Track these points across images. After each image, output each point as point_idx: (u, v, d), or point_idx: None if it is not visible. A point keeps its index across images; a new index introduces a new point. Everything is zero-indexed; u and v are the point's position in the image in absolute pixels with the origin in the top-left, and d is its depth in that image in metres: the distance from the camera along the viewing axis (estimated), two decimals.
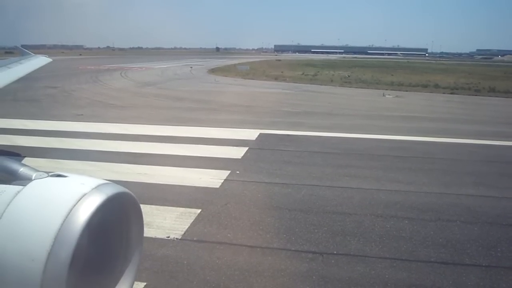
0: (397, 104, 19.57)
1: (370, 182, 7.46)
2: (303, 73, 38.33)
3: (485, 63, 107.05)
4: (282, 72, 39.33)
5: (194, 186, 7.05)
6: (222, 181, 7.39)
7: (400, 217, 5.89)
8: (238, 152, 9.37)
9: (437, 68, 62.37)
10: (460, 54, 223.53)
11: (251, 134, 11.33)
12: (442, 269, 4.52)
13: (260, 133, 11.48)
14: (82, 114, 14.50)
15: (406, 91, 25.84)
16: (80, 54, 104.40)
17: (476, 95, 24.31)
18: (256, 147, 9.99)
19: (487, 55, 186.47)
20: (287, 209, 6.14)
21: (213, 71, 41.01)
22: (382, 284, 4.20)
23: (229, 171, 7.92)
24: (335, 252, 4.84)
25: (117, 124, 12.56)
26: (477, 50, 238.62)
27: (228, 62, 62.07)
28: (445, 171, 8.32)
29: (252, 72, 39.09)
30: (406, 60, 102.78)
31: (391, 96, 22.35)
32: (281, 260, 4.64)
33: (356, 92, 24.80)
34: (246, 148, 9.74)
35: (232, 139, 10.66)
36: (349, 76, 36.82)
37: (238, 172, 7.95)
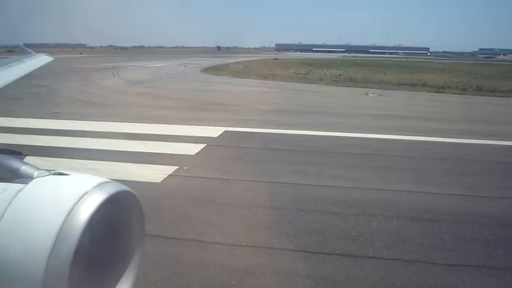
0: (376, 102, 19.66)
1: (311, 178, 7.61)
2: (295, 72, 38.38)
3: (485, 62, 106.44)
4: (274, 71, 39.41)
5: (136, 181, 7.15)
6: (166, 176, 7.56)
7: (325, 211, 6.04)
8: (193, 149, 9.54)
9: (434, 67, 62.16)
10: (462, 53, 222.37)
11: (215, 131, 11.50)
12: (341, 261, 4.66)
13: (225, 131, 11.65)
14: (59, 112, 14.71)
15: (392, 89, 25.90)
16: (81, 53, 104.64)
17: (460, 94, 24.32)
18: (214, 144, 10.17)
19: (489, 54, 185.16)
20: (216, 203, 6.31)
21: (206, 70, 41.18)
22: (276, 274, 4.36)
23: (176, 167, 8.09)
24: (243, 244, 4.99)
25: (88, 121, 12.77)
26: (480, 49, 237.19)
27: (225, 61, 62.13)
28: (392, 168, 8.45)
29: (245, 71, 39.25)
30: (405, 59, 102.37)
31: (374, 95, 22.42)
32: (189, 251, 4.81)
33: (341, 90, 24.90)
34: (204, 145, 9.91)
35: (194, 136, 10.82)
36: (340, 74, 36.83)
37: (185, 168, 8.12)
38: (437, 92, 25.11)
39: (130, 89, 23.79)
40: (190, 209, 6.01)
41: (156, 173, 7.67)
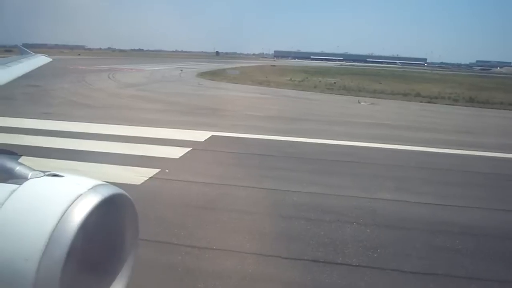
0: (367, 111, 19.77)
1: (290, 184, 7.63)
2: (290, 79, 38.53)
3: (481, 74, 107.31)
4: (270, 77, 39.54)
5: (116, 183, 6.96)
6: (146, 178, 7.58)
7: (300, 217, 6.06)
8: (178, 152, 9.56)
9: (430, 78, 62.63)
10: (459, 65, 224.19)
11: (202, 135, 11.53)
12: (308, 267, 4.68)
13: (212, 135, 11.68)
14: (49, 113, 14.71)
15: (385, 99, 26.06)
16: (79, 54, 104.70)
17: (452, 105, 24.52)
18: (199, 148, 10.20)
19: (486, 66, 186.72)
20: (192, 206, 6.33)
21: (202, 74, 41.26)
22: (241, 278, 4.38)
23: (158, 170, 8.11)
24: (214, 247, 5.01)
25: (75, 122, 12.77)
26: (477, 61, 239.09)
27: (223, 66, 62.29)
28: (374, 176, 8.49)
29: (240, 76, 39.41)
30: (402, 69, 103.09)
31: (366, 103, 22.55)
32: (158, 253, 4.82)
33: (334, 98, 25.03)
34: (189, 149, 9.94)
35: (180, 139, 10.85)
36: (335, 83, 37.04)
37: (167, 171, 8.13)
38: (429, 102, 25.30)
39: (123, 91, 23.80)
40: (166, 212, 6.02)
41: (136, 175, 7.68)
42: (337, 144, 11.30)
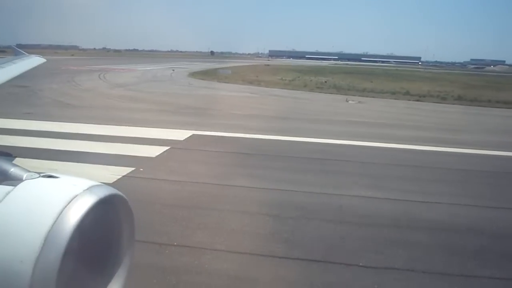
0: (353, 109, 19.88)
1: (262, 181, 7.69)
2: (281, 78, 38.59)
3: (474, 72, 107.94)
4: (261, 77, 39.60)
5: None
6: (119, 177, 7.61)
7: (264, 214, 6.13)
8: (155, 151, 9.60)
9: (422, 76, 62.88)
10: (453, 63, 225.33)
11: (183, 134, 11.57)
12: (264, 262, 4.74)
13: (193, 134, 11.73)
14: (31, 113, 14.68)
15: (374, 97, 26.20)
16: (72, 55, 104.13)
17: (439, 103, 24.68)
18: (178, 147, 10.24)
19: (479, 65, 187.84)
20: (161, 204, 6.37)
21: (193, 74, 41.26)
22: (196, 273, 4.44)
23: (133, 168, 8.15)
24: (175, 244, 5.07)
25: (57, 122, 12.77)
26: (471, 59, 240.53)
27: (216, 65, 62.26)
28: (348, 173, 8.58)
29: (232, 76, 39.40)
30: (395, 68, 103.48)
31: (353, 102, 22.67)
32: None
33: (322, 97, 25.13)
34: (167, 148, 9.98)
35: (160, 138, 10.88)
36: (326, 81, 37.16)
37: (141, 169, 8.17)
38: (417, 100, 25.45)
39: (112, 91, 23.77)
40: (133, 209, 6.05)
41: (110, 174, 7.71)
42: (315, 142, 11.37)
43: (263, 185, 7.48)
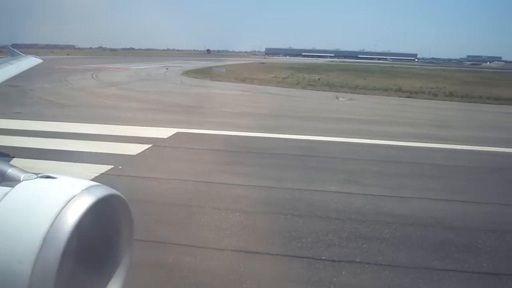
0: (343, 106, 19.95)
1: (239, 178, 7.77)
2: (275, 76, 38.65)
3: (469, 69, 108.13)
4: (255, 74, 39.61)
5: None
6: (97, 175, 7.66)
7: (235, 209, 6.20)
8: (137, 149, 9.66)
9: (417, 73, 62.98)
10: (450, 60, 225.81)
11: (167, 132, 11.63)
12: (229, 256, 4.82)
13: (177, 132, 11.78)
14: (19, 112, 14.70)
15: (365, 94, 26.30)
16: (68, 54, 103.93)
17: (430, 99, 24.79)
18: (160, 145, 10.30)
19: (476, 61, 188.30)
20: (134, 200, 6.36)
21: (187, 72, 41.25)
22: (161, 267, 4.51)
23: (112, 166, 8.20)
24: (143, 239, 5.10)
25: (43, 121, 12.85)
26: (468, 56, 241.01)
27: (211, 64, 62.18)
28: (326, 169, 8.66)
29: (225, 74, 39.40)
30: (391, 65, 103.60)
31: (344, 99, 22.73)
32: None
33: (314, 94, 25.20)
34: (149, 146, 10.04)
35: (143, 137, 10.92)
36: (319, 79, 37.23)
37: (120, 167, 8.23)
38: (408, 97, 25.56)
39: (103, 90, 23.78)
40: None
41: (88, 172, 7.76)
42: (300, 139, 11.44)
43: (238, 181, 7.54)
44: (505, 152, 11.00)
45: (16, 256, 1.04)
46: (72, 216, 1.10)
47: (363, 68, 76.56)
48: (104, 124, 12.67)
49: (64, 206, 1.11)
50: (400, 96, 25.65)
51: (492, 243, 5.43)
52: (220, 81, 32.57)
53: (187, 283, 4.29)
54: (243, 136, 11.72)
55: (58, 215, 1.09)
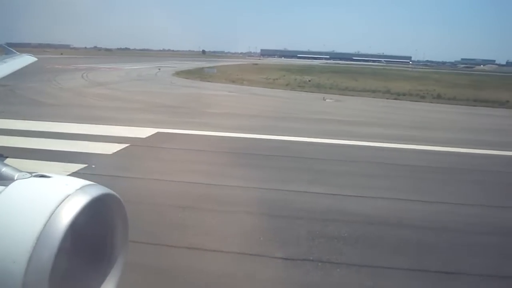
0: (328, 108, 20.13)
1: (207, 177, 7.85)
2: (266, 77, 38.78)
3: (462, 71, 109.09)
4: (246, 76, 39.75)
5: None
6: (68, 174, 7.74)
7: (195, 208, 6.33)
8: (113, 148, 9.75)
9: (409, 76, 63.32)
10: (444, 63, 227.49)
11: (147, 132, 11.72)
12: (181, 253, 4.94)
13: (157, 132, 11.88)
14: (3, 112, 14.73)
15: (353, 96, 26.53)
16: (61, 54, 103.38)
17: (416, 101, 25.03)
18: (138, 144, 10.40)
19: (470, 64, 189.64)
20: None
21: (179, 73, 41.33)
22: None
23: (85, 165, 8.30)
24: None
25: (24, 120, 12.86)
26: (462, 59, 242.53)
27: (205, 64, 62.18)
28: (295, 169, 8.79)
29: (217, 75, 39.55)
30: (384, 67, 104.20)
31: (331, 101, 22.93)
32: None
33: (301, 96, 25.40)
34: (126, 145, 10.13)
35: (122, 136, 10.99)
36: (310, 80, 37.42)
37: (93, 166, 8.32)
38: (395, 99, 25.82)
39: (90, 90, 23.82)
40: None
41: (61, 171, 7.83)
42: (277, 139, 11.58)
43: (208, 181, 7.65)
44: (470, 153, 11.11)
45: (10, 256, 1.03)
46: (67, 216, 1.09)
47: (356, 70, 76.92)
48: (84, 123, 12.72)
49: (58, 206, 1.10)
50: (387, 98, 25.89)
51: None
52: (210, 82, 32.69)
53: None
54: (220, 136, 11.85)
55: (52, 214, 1.08)
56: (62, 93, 21.80)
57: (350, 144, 11.39)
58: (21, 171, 1.28)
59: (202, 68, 49.14)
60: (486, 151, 11.25)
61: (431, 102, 24.98)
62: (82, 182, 1.23)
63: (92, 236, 1.28)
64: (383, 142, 11.70)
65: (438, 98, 27.39)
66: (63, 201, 1.12)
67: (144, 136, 11.27)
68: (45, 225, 1.06)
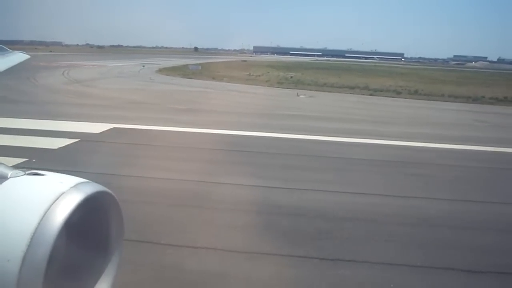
0: (298, 103, 20.31)
1: (147, 171, 7.90)
2: (249, 74, 38.97)
3: (452, 68, 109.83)
4: (229, 72, 39.85)
5: None
6: None
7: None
8: (60, 143, 9.81)
9: (396, 72, 63.74)
10: (436, 60, 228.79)
11: (102, 127, 11.78)
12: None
13: (114, 127, 11.95)
14: None
15: (329, 92, 26.75)
16: (51, 51, 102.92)
17: (391, 97, 25.33)
18: (88, 139, 10.47)
19: (462, 61, 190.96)
20: None
21: (162, 70, 41.32)
22: None
23: (26, 159, 8.35)
24: None
25: None
26: (455, 56, 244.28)
27: (193, 61, 62.21)
28: (240, 163, 8.84)
29: (200, 72, 39.63)
30: (374, 64, 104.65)
31: (304, 96, 23.11)
32: None
33: (276, 92, 25.56)
34: (76, 140, 10.20)
35: (74, 131, 11.01)
36: (291, 77, 37.60)
37: (34, 160, 8.39)
38: (370, 94, 26.09)
39: (65, 87, 23.80)
40: None
41: None
42: (227, 134, 11.70)
43: (152, 174, 7.66)
44: (416, 146, 11.31)
45: (4, 255, 1.02)
46: (61, 214, 1.08)
47: (344, 66, 77.30)
48: (39, 119, 12.75)
49: (52, 204, 1.09)
50: (362, 94, 26.13)
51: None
52: (191, 78, 32.76)
53: None
54: (179, 131, 11.95)
55: (46, 212, 1.07)
56: (35, 90, 21.78)
57: (307, 139, 11.50)
58: (14, 169, 1.26)
59: (188, 65, 49.18)
60: (433, 144, 11.47)
61: (405, 98, 25.25)
62: (77, 179, 1.21)
63: (87, 234, 1.28)
64: (335, 136, 11.88)
65: (414, 93, 27.71)
66: (57, 199, 1.11)
67: (97, 132, 11.35)
68: (39, 223, 1.05)
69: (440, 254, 5.20)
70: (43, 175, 1.23)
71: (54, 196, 1.11)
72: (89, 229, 1.27)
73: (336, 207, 6.62)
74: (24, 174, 1.23)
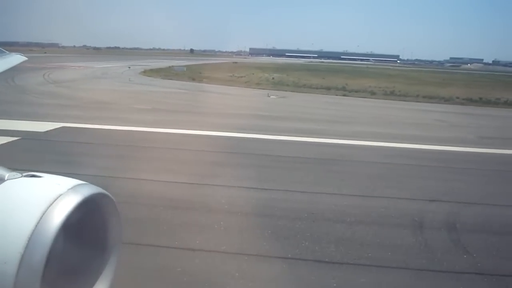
0: (266, 104, 20.52)
1: (85, 169, 7.78)
2: (232, 75, 39.13)
3: (445, 70, 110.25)
4: (213, 74, 40.01)
5: None
6: None
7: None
8: None
9: (384, 74, 63.94)
10: (432, 62, 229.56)
11: (49, 126, 11.92)
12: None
13: (62, 126, 12.10)
14: None
15: (304, 92, 27.03)
16: (45, 52, 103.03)
17: (365, 98, 25.59)
18: (30, 138, 10.60)
19: (457, 63, 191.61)
20: None
21: (146, 72, 41.47)
22: None
23: None
24: None
25: None
26: (451, 58, 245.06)
27: (183, 63, 62.42)
28: (189, 161, 9.06)
29: (183, 73, 39.86)
30: (366, 66, 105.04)
31: (274, 97, 23.34)
32: None
33: (249, 92, 25.82)
34: (16, 139, 10.31)
35: (18, 130, 11.04)
36: (273, 78, 37.82)
37: None
38: (343, 95, 26.36)
39: (38, 88, 23.90)
40: None
41: None
42: (175, 133, 11.90)
43: (90, 172, 7.59)
44: (357, 145, 11.50)
45: (1, 257, 1.02)
46: (58, 216, 1.08)
47: (335, 68, 77.58)
48: None
49: (50, 205, 1.09)
50: (336, 95, 26.35)
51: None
52: (171, 79, 32.98)
53: None
54: (125, 130, 12.11)
55: (43, 214, 1.07)
56: (6, 91, 21.90)
57: (232, 136, 11.71)
58: (11, 171, 1.26)
59: (173, 66, 49.42)
60: (373, 143, 11.64)
61: (377, 99, 25.49)
62: (74, 181, 1.21)
63: (84, 236, 1.28)
64: (293, 136, 12.04)
65: (390, 94, 27.94)
66: (54, 201, 1.11)
67: (43, 130, 11.50)
68: (36, 225, 1.05)
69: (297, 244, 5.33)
70: (40, 177, 1.23)
71: (52, 198, 1.12)
72: (87, 231, 1.28)
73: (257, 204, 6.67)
74: (22, 176, 1.23)
